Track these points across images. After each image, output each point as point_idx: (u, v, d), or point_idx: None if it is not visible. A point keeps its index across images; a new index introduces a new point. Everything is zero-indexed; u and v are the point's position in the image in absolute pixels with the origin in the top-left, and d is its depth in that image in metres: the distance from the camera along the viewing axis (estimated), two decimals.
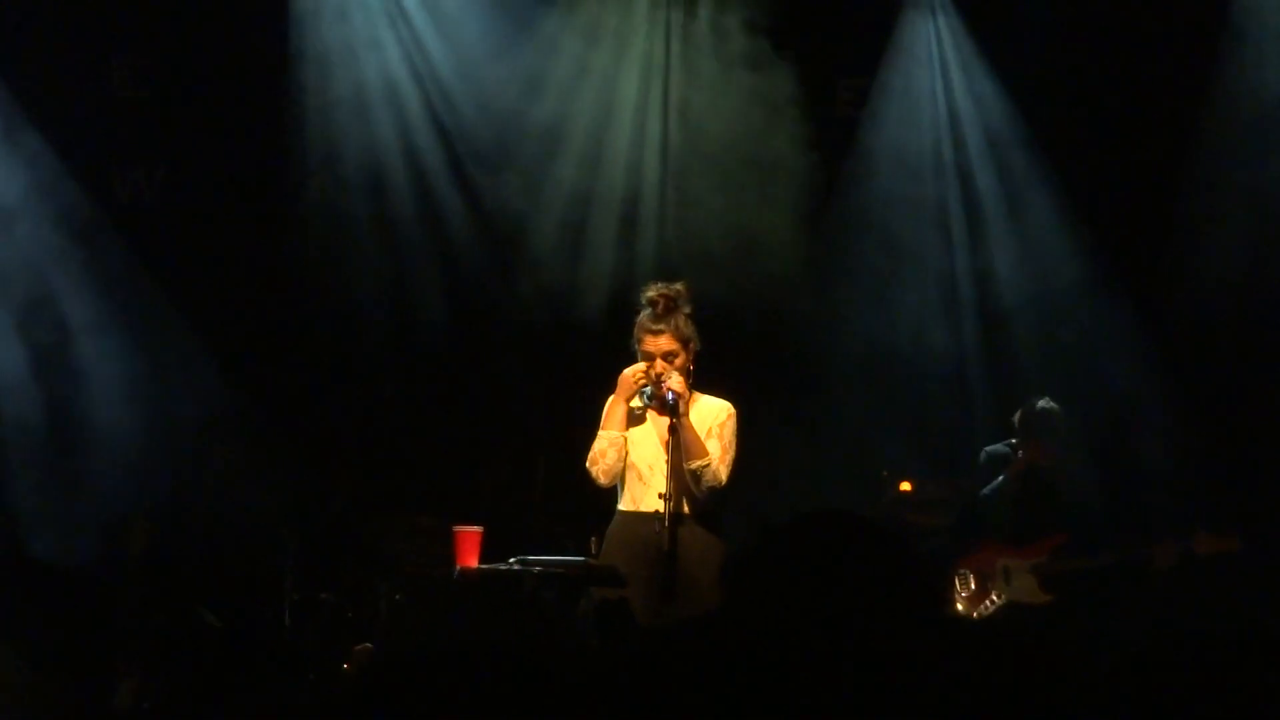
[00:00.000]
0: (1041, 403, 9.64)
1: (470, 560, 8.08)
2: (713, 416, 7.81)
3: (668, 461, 7.54)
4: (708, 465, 7.66)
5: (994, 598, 9.52)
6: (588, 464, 7.80)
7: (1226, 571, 9.46)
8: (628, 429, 7.80)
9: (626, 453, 7.80)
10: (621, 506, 7.90)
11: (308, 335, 10.98)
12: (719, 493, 7.74)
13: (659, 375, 7.66)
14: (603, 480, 7.83)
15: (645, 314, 7.78)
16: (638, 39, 11.04)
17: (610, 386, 7.90)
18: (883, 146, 11.13)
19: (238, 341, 10.73)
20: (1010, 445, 9.72)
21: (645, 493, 7.73)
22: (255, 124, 10.87)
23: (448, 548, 8.19)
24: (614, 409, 7.75)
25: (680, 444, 7.58)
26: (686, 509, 7.68)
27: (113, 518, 9.84)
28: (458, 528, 8.16)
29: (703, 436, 7.73)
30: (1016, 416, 9.70)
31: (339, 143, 10.98)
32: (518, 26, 10.88)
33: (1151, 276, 10.73)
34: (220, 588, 9.80)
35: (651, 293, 7.80)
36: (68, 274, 10.52)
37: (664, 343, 7.71)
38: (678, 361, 7.70)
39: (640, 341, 7.76)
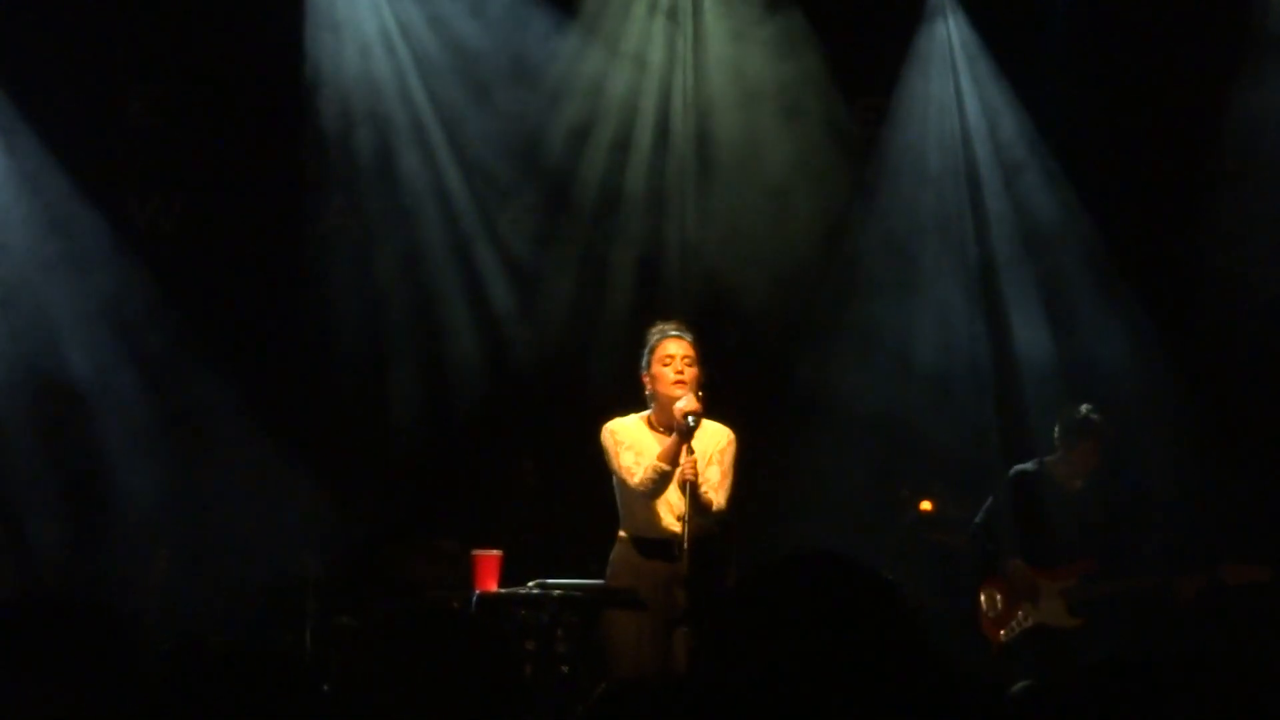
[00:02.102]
0: (1084, 409, 9.57)
1: (490, 584, 8.08)
2: (714, 443, 7.84)
3: (683, 480, 7.54)
4: (708, 505, 7.70)
5: (1020, 619, 9.47)
6: (637, 484, 7.76)
7: (1257, 600, 9.42)
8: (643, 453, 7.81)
9: None
10: (626, 532, 7.89)
11: (327, 361, 10.98)
12: (720, 517, 7.75)
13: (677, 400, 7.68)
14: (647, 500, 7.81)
15: (660, 330, 7.82)
16: (651, 60, 11.05)
17: (623, 411, 7.98)
18: (901, 165, 11.13)
19: (257, 367, 10.73)
20: (1040, 462, 9.66)
21: (654, 518, 7.72)
22: (272, 151, 10.90)
23: (467, 572, 8.19)
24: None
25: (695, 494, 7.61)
26: (697, 532, 7.68)
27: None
28: (477, 551, 8.16)
29: (704, 462, 7.75)
30: (1057, 425, 9.63)
31: (356, 168, 10.99)
32: (532, 49, 10.89)
33: (1178, 297, 10.69)
34: (241, 613, 9.84)
35: (662, 324, 7.92)
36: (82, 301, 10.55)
37: (682, 347, 7.76)
38: (695, 370, 7.72)
39: (655, 350, 7.78)
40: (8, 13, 10.39)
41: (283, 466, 10.48)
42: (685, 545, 7.41)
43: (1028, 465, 9.70)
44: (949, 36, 11.14)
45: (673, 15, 11.04)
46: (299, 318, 10.97)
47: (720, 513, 7.76)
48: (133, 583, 10.12)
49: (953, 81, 11.15)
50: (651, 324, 8.02)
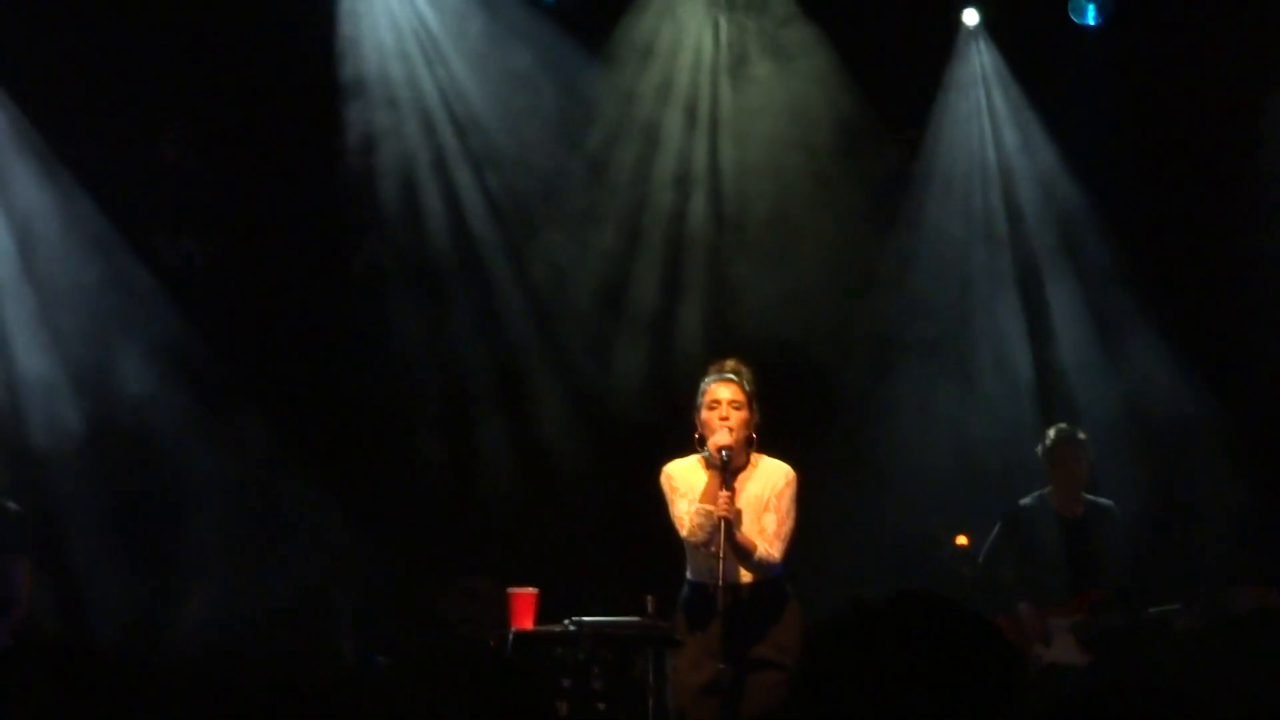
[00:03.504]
0: (1063, 427, 9.57)
1: (525, 622, 8.07)
2: (770, 485, 7.76)
3: (718, 517, 7.48)
4: (760, 560, 7.62)
5: (1034, 661, 9.35)
6: (687, 535, 7.69)
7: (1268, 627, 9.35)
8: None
9: None
10: (689, 576, 7.85)
11: (362, 398, 10.99)
12: (772, 569, 7.68)
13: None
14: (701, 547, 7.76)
15: (712, 372, 7.79)
16: (683, 94, 11.07)
17: (657, 448, 7.98)
18: (937, 198, 11.13)
19: (291, 406, 10.74)
20: (1038, 496, 9.60)
21: (707, 559, 7.64)
22: (305, 190, 10.92)
23: (503, 610, 8.17)
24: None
25: (731, 537, 7.53)
26: (749, 575, 7.63)
27: None
28: (512, 589, 8.15)
29: (761, 507, 7.70)
30: (1039, 449, 9.61)
31: (389, 206, 11.01)
32: (561, 83, 10.91)
33: (1214, 320, 10.66)
34: (276, 650, 9.84)
35: (718, 363, 7.84)
36: (121, 341, 10.57)
37: (730, 391, 7.69)
38: (742, 414, 7.67)
39: (704, 394, 7.73)
40: (43, 50, 10.44)
41: (317, 503, 10.49)
42: (720, 583, 7.36)
43: (1026, 500, 9.65)
44: (980, 67, 11.14)
45: (708, 52, 11.07)
46: (331, 355, 10.97)
47: (773, 564, 7.66)
48: (167, 620, 10.14)
49: (985, 113, 11.15)
50: (698, 357, 7.98)
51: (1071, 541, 9.42)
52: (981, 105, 11.16)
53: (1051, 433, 9.56)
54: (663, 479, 7.82)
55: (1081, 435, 9.54)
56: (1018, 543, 9.49)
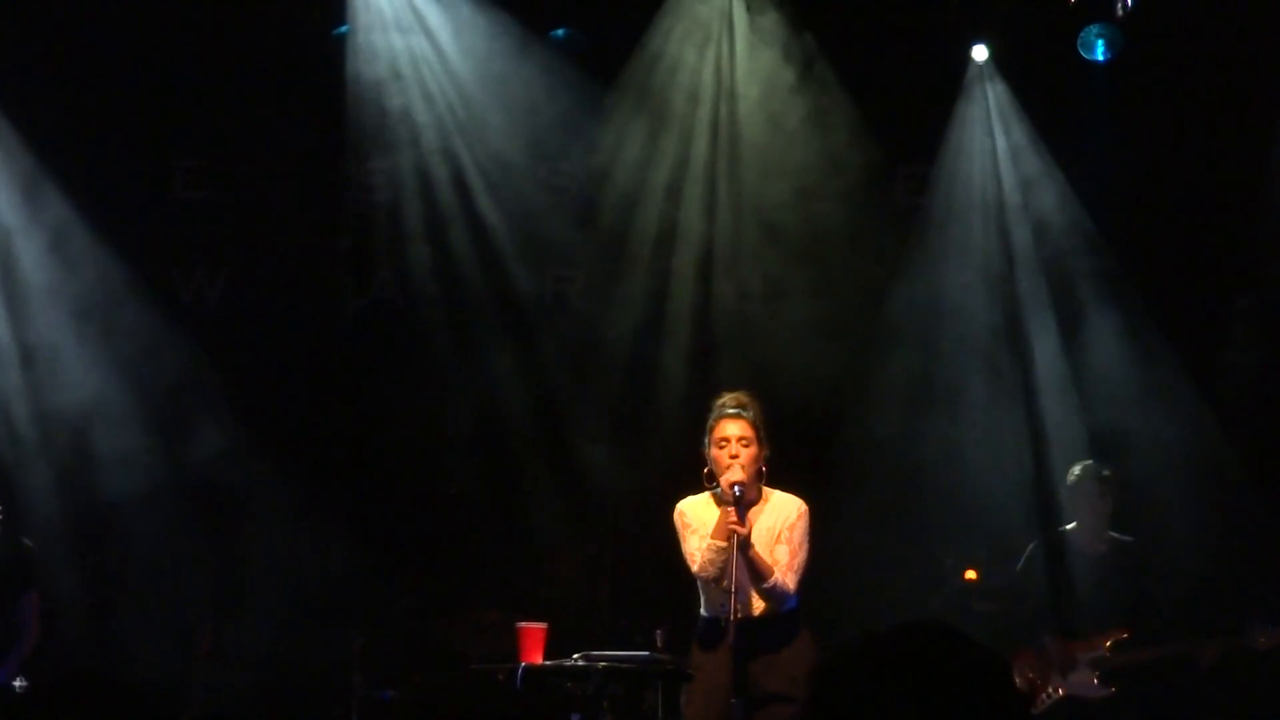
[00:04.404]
0: (1088, 464, 9.56)
1: (535, 656, 8.06)
2: (783, 518, 7.71)
3: (729, 549, 7.45)
4: (774, 586, 7.59)
5: (1051, 691, 9.35)
6: (698, 571, 7.65)
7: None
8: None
9: None
10: (702, 611, 7.83)
11: (373, 433, 11.01)
12: (785, 599, 7.65)
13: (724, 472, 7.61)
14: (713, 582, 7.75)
15: (719, 407, 7.75)
16: (702, 133, 11.11)
17: (673, 483, 7.93)
18: (943, 233, 11.15)
19: (303, 440, 10.75)
20: (1061, 531, 9.60)
21: (719, 594, 7.62)
22: (316, 223, 10.96)
23: (512, 644, 8.17)
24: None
25: (745, 553, 7.50)
26: (761, 608, 7.60)
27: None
28: (522, 624, 8.14)
29: (773, 539, 7.66)
30: (1065, 486, 9.61)
31: (402, 239, 11.04)
32: (577, 119, 10.96)
33: (1220, 359, 10.68)
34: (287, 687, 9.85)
35: (725, 396, 7.79)
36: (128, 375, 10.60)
37: (739, 428, 7.64)
38: (751, 450, 7.64)
39: (712, 431, 7.69)
40: (53, 86, 10.49)
41: (327, 539, 10.49)
42: (733, 617, 7.33)
43: (1050, 535, 9.65)
44: (989, 104, 11.16)
45: (725, 90, 11.10)
46: (342, 390, 10.99)
47: (787, 594, 7.61)
48: (178, 657, 10.14)
49: (993, 149, 11.17)
50: (711, 397, 7.91)
51: (1093, 578, 9.42)
52: (990, 141, 11.17)
53: (1076, 470, 9.55)
54: (675, 515, 7.79)
55: (1106, 472, 9.52)
56: (1040, 577, 9.48)
